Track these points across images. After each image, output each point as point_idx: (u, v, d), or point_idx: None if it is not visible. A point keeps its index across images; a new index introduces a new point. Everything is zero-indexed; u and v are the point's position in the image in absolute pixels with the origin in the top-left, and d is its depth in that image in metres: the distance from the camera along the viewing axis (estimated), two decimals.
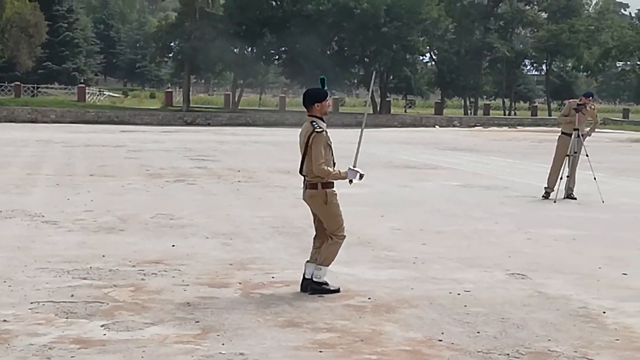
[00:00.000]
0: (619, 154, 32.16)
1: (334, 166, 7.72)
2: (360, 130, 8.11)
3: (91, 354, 5.40)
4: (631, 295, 7.86)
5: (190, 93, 68.99)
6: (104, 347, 5.57)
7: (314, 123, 7.65)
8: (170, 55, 72.64)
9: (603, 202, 15.29)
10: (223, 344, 5.88)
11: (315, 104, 7.80)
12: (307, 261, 7.79)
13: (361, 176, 7.99)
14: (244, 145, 33.25)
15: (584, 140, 16.13)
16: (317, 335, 6.19)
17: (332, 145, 7.87)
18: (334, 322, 6.57)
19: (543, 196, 16.07)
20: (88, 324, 6.22)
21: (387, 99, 69.76)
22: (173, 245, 10.02)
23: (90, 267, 8.51)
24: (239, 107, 66.83)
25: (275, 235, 11.31)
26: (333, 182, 7.78)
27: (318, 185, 7.63)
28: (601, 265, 9.45)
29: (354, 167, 7.94)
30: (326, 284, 7.65)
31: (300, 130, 7.85)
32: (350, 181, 7.94)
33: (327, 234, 7.69)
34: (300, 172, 7.83)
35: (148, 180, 18.16)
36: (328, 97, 8.09)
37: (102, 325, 6.13)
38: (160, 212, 13.01)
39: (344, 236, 7.79)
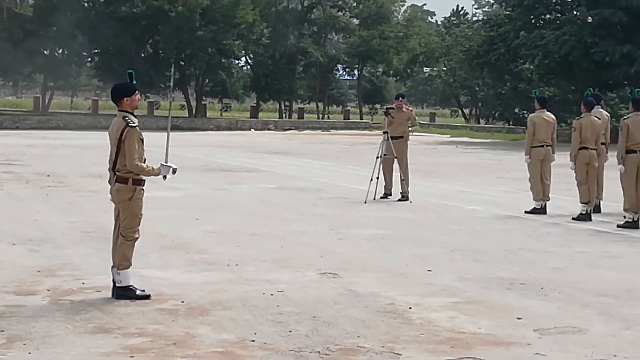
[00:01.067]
0: (426, 157, 33.35)
1: (144, 162, 7.68)
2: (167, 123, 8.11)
3: None
4: (435, 291, 8.25)
5: None
6: None
7: (126, 118, 7.60)
8: None
9: (410, 202, 15.92)
10: (29, 353, 5.74)
11: (125, 98, 7.77)
12: (112, 266, 7.66)
13: (174, 170, 8.01)
14: (55, 149, 32.35)
15: (408, 140, 16.81)
16: (129, 340, 6.14)
17: (145, 142, 7.83)
18: (146, 327, 6.55)
19: (399, 199, 16.65)
20: None
21: (203, 102, 69.71)
22: None
23: None
24: (50, 110, 65.30)
25: (86, 240, 11.07)
26: (144, 180, 7.74)
27: (129, 181, 7.55)
28: (408, 263, 9.88)
29: (166, 162, 7.94)
30: (131, 287, 7.55)
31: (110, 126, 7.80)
32: (164, 177, 7.97)
33: (119, 232, 7.62)
34: (112, 168, 7.65)
35: None
36: (137, 91, 8.08)
37: None
38: None
39: (136, 238, 7.72)
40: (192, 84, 65.83)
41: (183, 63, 58.67)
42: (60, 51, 64.84)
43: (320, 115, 77.73)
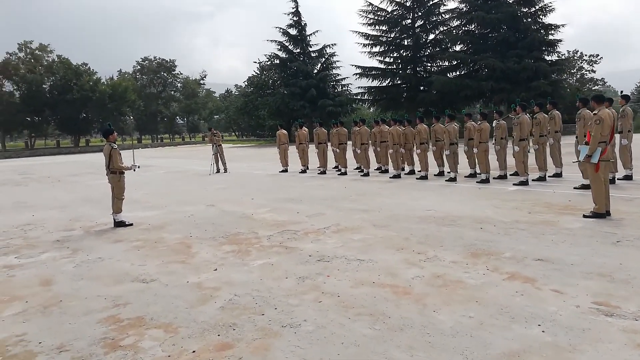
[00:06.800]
0: (231, 152, 33.13)
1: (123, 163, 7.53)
2: (132, 147, 7.91)
3: None
4: (259, 206, 8.47)
5: None
6: None
7: (112, 144, 7.37)
8: None
9: (230, 172, 16.01)
10: (88, 255, 5.79)
11: (110, 136, 7.42)
12: (111, 213, 7.48)
13: (138, 167, 8.06)
14: (49, 165, 28.39)
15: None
16: (133, 243, 6.26)
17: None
18: (138, 237, 6.58)
19: (223, 172, 15.72)
20: None
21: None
22: None
23: None
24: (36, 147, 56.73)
25: (86, 204, 10.18)
26: (124, 172, 7.58)
27: (117, 172, 7.41)
28: (242, 196, 9.89)
29: (134, 163, 7.87)
30: (122, 221, 7.41)
31: None
32: (134, 170, 8.00)
33: (114, 196, 7.43)
34: (107, 167, 7.38)
35: None
36: (115, 132, 7.60)
37: None
38: None
39: (123, 198, 7.51)
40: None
41: (101, 119, 53.39)
42: (38, 118, 55.69)
43: (172, 139, 74.05)
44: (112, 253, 5.82)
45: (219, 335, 3.32)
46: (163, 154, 34.68)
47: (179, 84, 73.12)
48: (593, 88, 45.84)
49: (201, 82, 76.12)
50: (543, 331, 3.11)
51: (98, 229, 7.39)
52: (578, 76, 49.25)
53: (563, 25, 31.42)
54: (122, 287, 4.48)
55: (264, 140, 55.47)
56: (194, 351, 3.10)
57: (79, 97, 51.04)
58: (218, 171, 16.12)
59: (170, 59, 70.53)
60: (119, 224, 7.42)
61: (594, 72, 49.02)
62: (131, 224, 7.49)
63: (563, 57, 42.12)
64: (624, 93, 9.44)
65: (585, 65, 49.29)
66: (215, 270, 4.86)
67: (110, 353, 3.15)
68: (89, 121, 54.47)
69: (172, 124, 74.83)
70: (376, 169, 13.64)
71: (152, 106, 67.27)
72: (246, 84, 54.48)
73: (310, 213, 7.69)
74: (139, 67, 69.75)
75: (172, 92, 72.46)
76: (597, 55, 48.92)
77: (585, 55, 49.29)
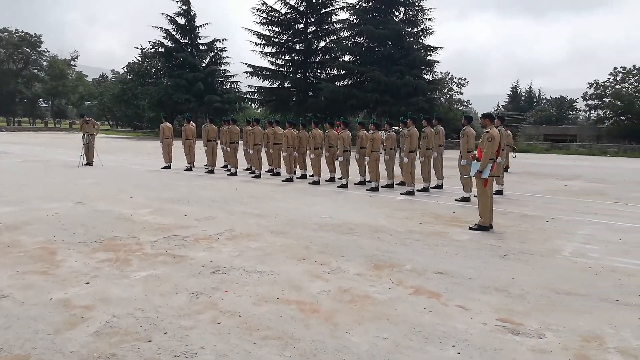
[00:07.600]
0: (99, 143, 30.26)
1: None
2: None
3: None
4: (139, 206, 7.67)
5: None
6: None
7: None
8: None
9: (102, 166, 14.53)
10: None
11: None
12: None
13: None
14: None
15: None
16: None
17: None
18: None
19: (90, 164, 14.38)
20: None
21: None
22: None
23: None
24: None
25: None
26: None
27: None
28: (119, 194, 8.97)
29: None
30: None
31: None
32: None
33: None
34: None
35: None
36: None
37: None
38: None
39: None
40: None
41: None
42: None
43: (32, 123, 65.35)
44: None
45: None
46: (21, 140, 30.42)
47: (44, 63, 65.03)
48: (460, 108, 50.69)
49: (72, 62, 68.63)
50: (458, 353, 3.00)
51: None
52: (448, 96, 54.14)
53: (440, 48, 34.18)
54: None
55: (142, 132, 51.78)
56: None
57: None
58: (89, 163, 14.49)
59: (35, 34, 62.47)
60: None
61: (462, 94, 54.28)
62: None
63: (438, 78, 46.05)
64: (499, 114, 10.30)
65: (455, 87, 54.35)
66: (87, 283, 4.07)
67: None
68: None
69: (34, 106, 66.34)
70: (267, 171, 13.30)
71: (9, 84, 58.93)
72: (125, 70, 50.32)
73: (199, 216, 7.06)
74: None
75: (36, 71, 64.23)
76: (465, 78, 54.26)
77: (455, 78, 54.39)
